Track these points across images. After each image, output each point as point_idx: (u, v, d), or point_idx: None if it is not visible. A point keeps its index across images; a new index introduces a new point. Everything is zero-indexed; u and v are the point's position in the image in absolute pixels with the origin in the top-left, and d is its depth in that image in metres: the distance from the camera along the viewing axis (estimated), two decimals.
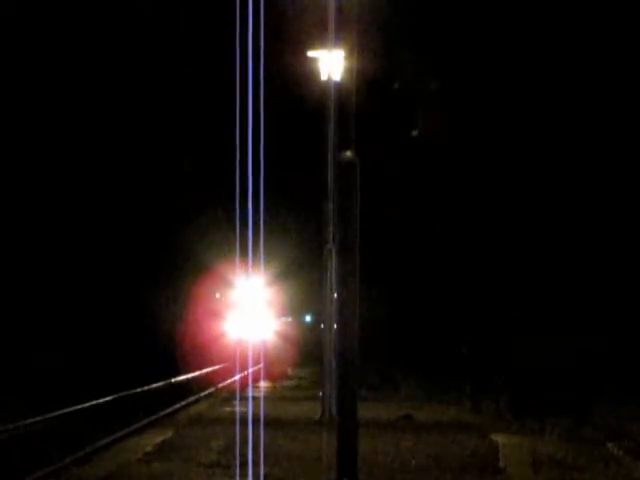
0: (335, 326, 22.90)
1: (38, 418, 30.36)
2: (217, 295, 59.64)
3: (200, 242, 58.39)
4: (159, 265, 68.38)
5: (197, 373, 49.18)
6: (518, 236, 64.23)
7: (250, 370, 40.52)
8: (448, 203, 64.59)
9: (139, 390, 40.91)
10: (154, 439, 27.03)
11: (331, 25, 22.76)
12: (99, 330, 64.79)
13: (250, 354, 46.88)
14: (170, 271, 65.92)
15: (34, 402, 34.23)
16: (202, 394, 41.73)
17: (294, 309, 64.22)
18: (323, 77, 24.02)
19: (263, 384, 48.20)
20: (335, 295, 21.70)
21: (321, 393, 31.02)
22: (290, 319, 64.75)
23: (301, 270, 53.80)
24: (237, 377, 38.14)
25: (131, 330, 61.70)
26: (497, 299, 58.30)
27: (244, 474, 19.39)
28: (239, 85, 13.86)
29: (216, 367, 52.17)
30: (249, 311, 46.55)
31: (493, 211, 61.72)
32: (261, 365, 49.01)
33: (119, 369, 47.46)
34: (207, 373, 48.80)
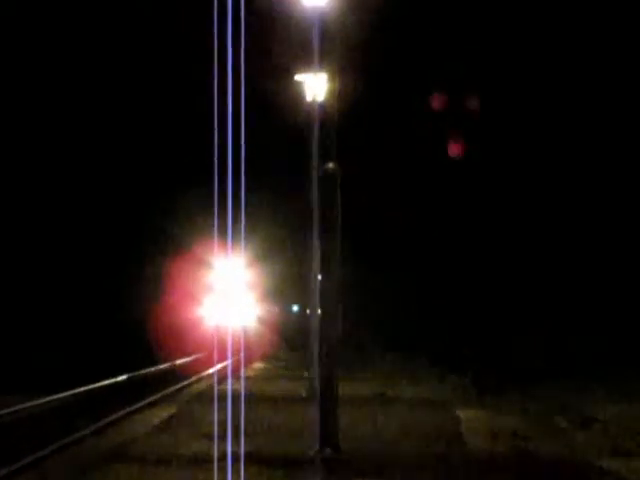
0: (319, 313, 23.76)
1: (58, 395, 30.06)
2: (202, 279, 54.73)
3: (183, 226, 54.32)
4: (137, 248, 62.90)
5: (195, 356, 47.96)
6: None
7: (242, 354, 42.86)
8: (449, 204, 63.04)
9: (145, 371, 39.91)
10: (161, 414, 28.41)
11: (315, 50, 23.26)
12: (75, 313, 59.85)
13: (242, 340, 45.41)
14: (148, 254, 60.72)
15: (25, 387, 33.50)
16: (200, 375, 41.20)
17: (285, 299, 61.36)
18: (308, 98, 25.10)
19: (257, 365, 48.30)
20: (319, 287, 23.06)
21: (306, 373, 32.13)
22: (277, 309, 62.16)
23: (288, 264, 51.16)
24: (230, 360, 38.62)
25: (111, 317, 56.07)
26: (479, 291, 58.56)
27: (239, 443, 19.04)
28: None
29: (207, 352, 50.91)
30: (241, 298, 44.91)
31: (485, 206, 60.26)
32: (248, 350, 47.81)
33: (116, 355, 44.26)
34: (205, 356, 47.41)
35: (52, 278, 64.71)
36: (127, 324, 50.83)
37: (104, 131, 71.43)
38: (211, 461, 18.04)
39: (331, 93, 23.34)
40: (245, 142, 10.82)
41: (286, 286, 54.83)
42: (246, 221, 13.50)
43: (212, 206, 11.30)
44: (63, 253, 67.18)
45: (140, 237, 61.45)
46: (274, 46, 38.46)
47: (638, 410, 29.56)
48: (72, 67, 69.57)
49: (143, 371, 38.77)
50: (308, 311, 31.04)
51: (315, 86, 23.96)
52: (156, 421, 27.10)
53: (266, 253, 47.47)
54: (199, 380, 37.98)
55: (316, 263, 23.24)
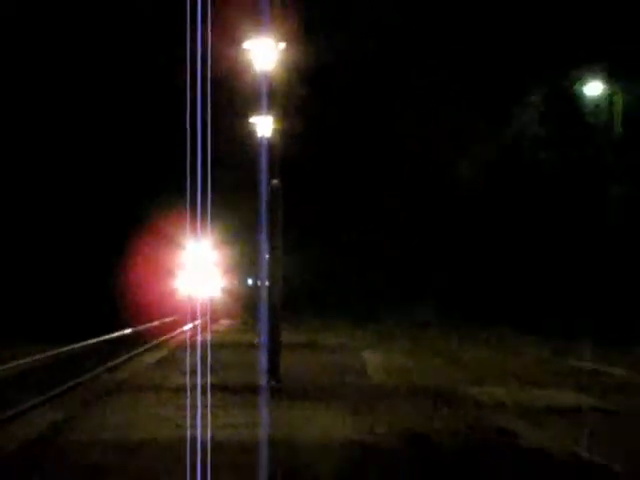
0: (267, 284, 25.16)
1: (77, 344, 30.03)
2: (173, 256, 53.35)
3: (162, 213, 49.86)
4: (123, 232, 56.86)
5: (174, 318, 47.20)
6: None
7: (209, 316, 41.51)
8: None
9: (142, 327, 39.58)
10: (156, 355, 30.61)
11: (264, 100, 24.41)
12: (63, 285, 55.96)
13: (209, 305, 45.03)
14: (134, 239, 55.21)
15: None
16: (182, 329, 41.05)
17: (242, 274, 60.74)
18: (259, 134, 26.02)
19: (222, 323, 49.05)
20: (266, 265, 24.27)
21: (256, 340, 32.93)
22: (237, 281, 61.53)
23: (245, 247, 49.83)
24: (200, 320, 38.01)
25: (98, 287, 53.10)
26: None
27: (207, 375, 20.00)
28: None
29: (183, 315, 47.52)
30: (208, 273, 44.00)
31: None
32: (214, 313, 47.82)
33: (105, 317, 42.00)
34: (181, 317, 46.23)
35: (44, 259, 59.49)
36: (116, 293, 49.11)
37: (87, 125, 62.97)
38: (189, 389, 19.33)
39: (276, 131, 24.98)
40: (212, 161, 11.19)
41: (243, 264, 54.59)
42: (213, 214, 13.49)
43: (186, 203, 11.13)
44: (57, 240, 60.78)
45: (127, 226, 55.89)
46: (235, 97, 38.31)
47: (489, 353, 32.09)
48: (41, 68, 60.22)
49: (140, 327, 38.80)
50: (259, 283, 31.88)
51: (264, 126, 25.15)
52: (152, 361, 28.65)
53: (229, 238, 47.55)
54: (181, 333, 38.53)
55: (264, 247, 24.29)
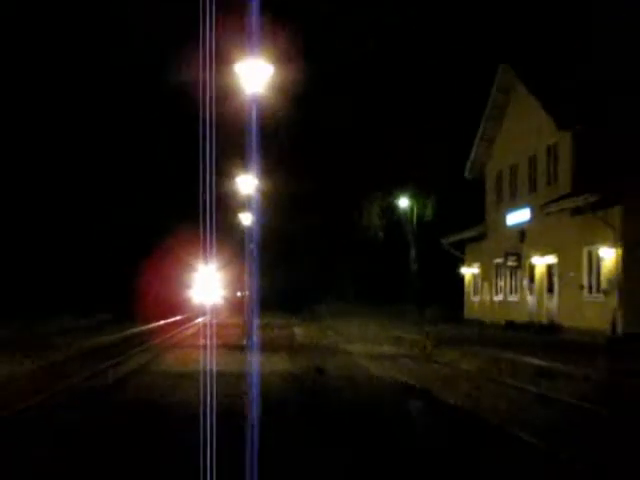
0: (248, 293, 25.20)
1: (147, 326, 29.53)
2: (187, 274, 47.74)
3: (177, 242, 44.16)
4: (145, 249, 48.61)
5: (190, 314, 43.73)
6: None
7: (214, 314, 40.00)
8: None
9: (172, 319, 37.39)
10: (190, 330, 31.85)
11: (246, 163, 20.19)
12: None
13: (214, 308, 42.98)
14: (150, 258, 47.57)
15: None
16: (198, 320, 38.90)
17: (237, 288, 56.15)
18: (243, 192, 24.86)
19: (223, 316, 46.78)
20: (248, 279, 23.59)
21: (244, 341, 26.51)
22: (233, 293, 58.62)
23: (238, 269, 43.88)
24: (209, 316, 36.42)
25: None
26: None
27: (215, 339, 22.26)
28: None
29: (197, 313, 43.86)
30: (214, 286, 39.38)
31: None
32: (217, 312, 45.41)
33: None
34: (195, 314, 43.33)
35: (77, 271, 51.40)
36: (147, 302, 43.80)
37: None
38: (207, 347, 20.70)
39: (257, 191, 23.49)
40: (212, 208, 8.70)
41: (237, 281, 50.55)
42: (217, 245, 11.52)
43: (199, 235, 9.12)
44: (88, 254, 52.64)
45: (150, 248, 48.41)
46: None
47: (360, 327, 32.41)
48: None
49: (171, 319, 36.64)
50: (245, 293, 30.34)
51: (246, 186, 24.00)
52: (189, 333, 31.61)
53: (227, 262, 45.18)
54: (199, 321, 37.92)
55: (248, 272, 24.02)
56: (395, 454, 8.14)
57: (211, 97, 8.44)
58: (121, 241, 52.77)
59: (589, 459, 7.96)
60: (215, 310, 41.52)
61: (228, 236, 43.23)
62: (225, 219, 40.43)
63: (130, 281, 47.46)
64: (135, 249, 50.74)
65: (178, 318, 38.39)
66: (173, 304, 46.36)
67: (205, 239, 8.84)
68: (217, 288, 43.07)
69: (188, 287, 49.10)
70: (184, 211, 29.89)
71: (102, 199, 52.57)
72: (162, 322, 32.40)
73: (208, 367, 13.68)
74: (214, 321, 34.80)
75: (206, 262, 23.53)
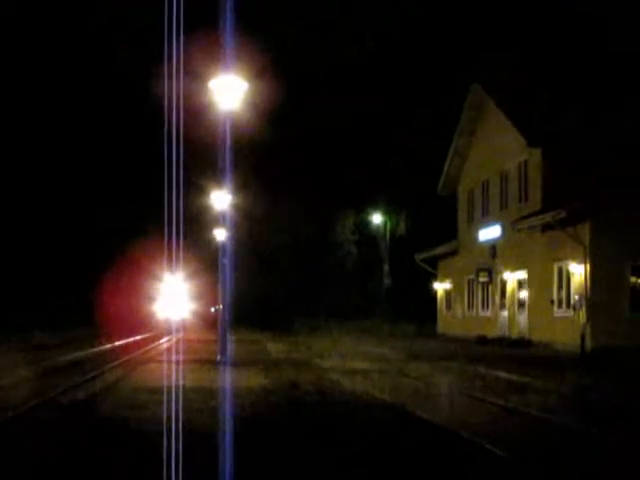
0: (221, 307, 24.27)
1: (107, 345, 29.18)
2: (151, 285, 45.73)
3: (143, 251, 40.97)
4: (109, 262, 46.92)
5: (156, 332, 40.98)
6: None
7: (182, 330, 38.63)
8: None
9: (139, 337, 36.59)
10: (159, 348, 30.66)
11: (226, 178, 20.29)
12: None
13: (182, 323, 40.62)
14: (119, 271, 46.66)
15: None
16: (164, 339, 36.51)
17: (207, 301, 53.71)
18: (218, 209, 23.99)
19: (192, 334, 42.59)
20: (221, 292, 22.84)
21: (219, 357, 27.39)
22: (202, 306, 55.01)
23: (208, 280, 42.95)
24: (174, 333, 35.38)
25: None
26: None
27: (186, 355, 22.44)
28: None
29: (162, 330, 40.89)
30: (181, 299, 37.35)
31: None
32: (185, 329, 42.70)
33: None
34: (161, 332, 40.60)
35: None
36: (108, 316, 41.80)
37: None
38: (175, 363, 21.46)
39: (231, 207, 23.29)
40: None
41: (207, 293, 48.58)
42: (184, 254, 11.29)
43: (164, 243, 8.66)
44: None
45: (113, 260, 46.97)
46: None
47: (326, 342, 32.90)
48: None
49: (138, 337, 36.02)
50: (219, 308, 29.14)
51: (220, 202, 23.20)
52: (160, 349, 30.11)
53: (195, 273, 43.10)
54: (166, 340, 35.89)
55: (221, 287, 22.99)
56: (364, 464, 8.43)
57: (179, 112, 8.16)
58: (79, 248, 51.38)
59: (546, 465, 8.31)
60: (183, 326, 39.51)
61: (199, 246, 42.90)
62: (200, 233, 40.38)
63: (86, 294, 46.28)
64: (95, 258, 49.18)
65: (138, 338, 35.91)
66: (134, 320, 44.35)
67: (171, 246, 8.51)
68: (185, 301, 41.43)
69: (152, 300, 47.62)
70: (151, 218, 27.80)
71: (63, 207, 51.75)
72: (136, 337, 32.39)
73: (175, 385, 14.33)
74: (183, 337, 33.79)
75: (172, 272, 22.20)
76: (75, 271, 50.29)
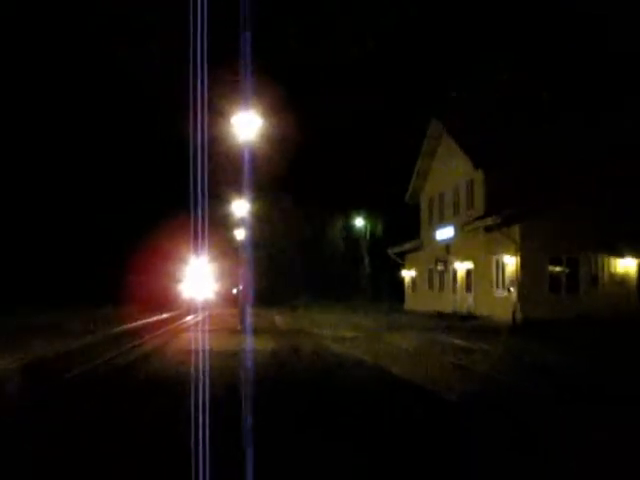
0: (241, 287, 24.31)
1: (154, 318, 27.85)
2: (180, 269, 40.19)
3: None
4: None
5: (183, 310, 36.70)
6: None
7: (206, 311, 35.63)
8: None
9: (172, 313, 33.96)
10: (190, 320, 28.25)
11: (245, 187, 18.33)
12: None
13: (206, 302, 37.32)
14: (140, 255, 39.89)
15: None
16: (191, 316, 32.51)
17: (229, 282, 47.00)
18: (238, 215, 23.37)
19: (216, 310, 39.24)
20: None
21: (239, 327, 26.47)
22: (225, 287, 48.62)
23: (231, 263, 37.04)
24: (200, 311, 32.61)
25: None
26: None
27: (212, 325, 22.15)
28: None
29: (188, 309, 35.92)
30: (205, 280, 32.84)
31: None
32: (210, 307, 39.16)
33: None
34: (187, 310, 35.82)
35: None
36: (140, 296, 37.72)
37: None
38: (207, 331, 21.29)
39: (248, 213, 22.08)
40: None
41: (229, 274, 43.32)
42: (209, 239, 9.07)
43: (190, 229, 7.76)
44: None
45: (141, 246, 40.53)
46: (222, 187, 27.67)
47: (325, 315, 31.21)
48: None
49: (168, 314, 33.11)
50: (240, 287, 27.29)
51: (241, 209, 22.80)
52: (191, 321, 28.57)
53: (219, 256, 38.90)
54: (193, 317, 33.22)
55: (242, 266, 22.31)
56: (346, 407, 8.61)
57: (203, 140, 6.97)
58: (109, 235, 45.06)
59: (486, 406, 8.54)
60: (207, 305, 35.61)
61: (220, 229, 37.96)
62: (225, 235, 37.33)
63: (119, 276, 41.38)
64: (127, 242, 42.80)
65: (167, 315, 32.50)
66: (163, 300, 39.74)
67: (196, 231, 7.48)
68: (209, 282, 36.33)
69: (178, 281, 42.26)
70: (176, 205, 25.05)
71: (91, 196, 45.46)
72: (154, 318, 29.08)
73: (202, 348, 14.33)
74: (208, 314, 31.17)
75: (197, 254, 18.92)
76: (109, 255, 44.37)
